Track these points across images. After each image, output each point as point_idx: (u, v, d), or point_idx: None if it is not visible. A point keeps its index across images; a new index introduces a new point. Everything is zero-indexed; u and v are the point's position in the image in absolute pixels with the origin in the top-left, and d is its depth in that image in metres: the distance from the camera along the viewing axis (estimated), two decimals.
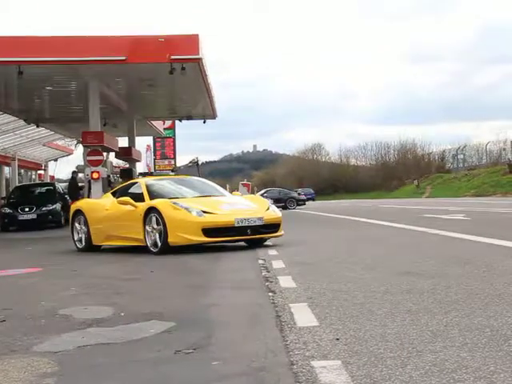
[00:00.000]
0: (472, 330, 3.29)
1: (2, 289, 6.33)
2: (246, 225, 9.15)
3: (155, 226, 9.15)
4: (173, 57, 15.78)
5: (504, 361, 2.70)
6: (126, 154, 25.02)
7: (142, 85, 20.17)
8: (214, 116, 26.60)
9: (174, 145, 44.51)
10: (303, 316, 3.89)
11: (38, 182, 36.82)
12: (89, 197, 17.80)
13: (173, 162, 43.82)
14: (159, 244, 9.09)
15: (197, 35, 15.87)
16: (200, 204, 9.43)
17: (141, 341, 3.56)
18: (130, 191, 10.52)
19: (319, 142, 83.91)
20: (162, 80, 18.64)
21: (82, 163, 21.13)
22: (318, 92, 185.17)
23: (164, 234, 8.99)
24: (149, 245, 9.28)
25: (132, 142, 25.68)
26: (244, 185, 32.50)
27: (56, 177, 42.68)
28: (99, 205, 10.87)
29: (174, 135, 44.25)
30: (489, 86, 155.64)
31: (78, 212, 10.91)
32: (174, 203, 9.23)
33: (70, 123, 27.17)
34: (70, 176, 25.62)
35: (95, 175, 18.66)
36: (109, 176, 20.92)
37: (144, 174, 25.30)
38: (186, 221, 8.97)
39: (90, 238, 10.50)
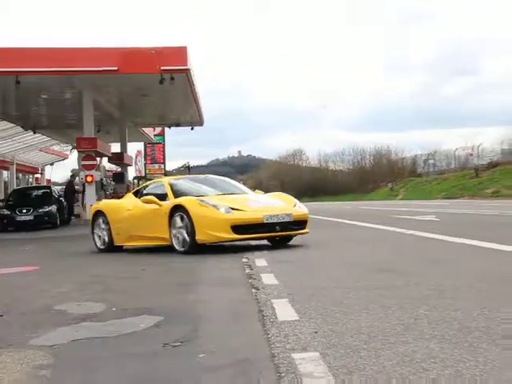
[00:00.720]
0: (440, 323, 3.32)
1: (0, 286, 6.29)
2: (276, 221, 8.64)
3: (181, 224, 8.57)
4: (163, 67, 15.80)
5: (468, 351, 2.74)
6: (119, 158, 25.02)
7: (133, 94, 20.14)
8: (201, 123, 26.65)
9: (164, 150, 44.45)
10: (284, 311, 3.90)
11: (34, 185, 36.60)
12: (83, 199, 17.74)
13: (162, 167, 43.82)
14: (186, 242, 8.54)
15: (185, 47, 15.93)
16: (226, 201, 8.91)
17: (131, 334, 3.55)
18: (151, 191, 9.96)
19: (300, 147, 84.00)
20: (152, 89, 18.63)
21: (77, 167, 21.05)
22: (299, 99, 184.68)
23: (191, 232, 8.43)
24: (174, 244, 8.71)
25: (124, 147, 25.65)
26: None
27: (52, 180, 42.44)
28: (121, 205, 10.29)
29: (164, 141, 44.21)
30: (459, 96, 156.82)
31: (99, 213, 10.34)
32: (201, 201, 8.72)
33: (66, 129, 27.08)
34: (65, 179, 25.52)
35: (89, 178, 18.67)
36: (102, 179, 20.86)
37: (139, 178, 25.29)
38: (215, 218, 8.42)
39: (111, 239, 9.98)
